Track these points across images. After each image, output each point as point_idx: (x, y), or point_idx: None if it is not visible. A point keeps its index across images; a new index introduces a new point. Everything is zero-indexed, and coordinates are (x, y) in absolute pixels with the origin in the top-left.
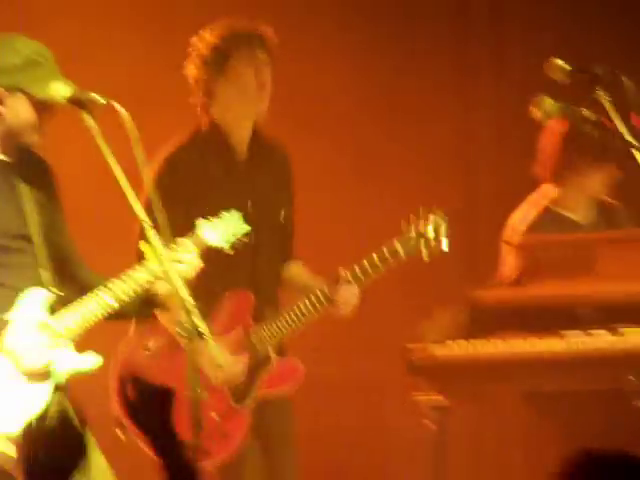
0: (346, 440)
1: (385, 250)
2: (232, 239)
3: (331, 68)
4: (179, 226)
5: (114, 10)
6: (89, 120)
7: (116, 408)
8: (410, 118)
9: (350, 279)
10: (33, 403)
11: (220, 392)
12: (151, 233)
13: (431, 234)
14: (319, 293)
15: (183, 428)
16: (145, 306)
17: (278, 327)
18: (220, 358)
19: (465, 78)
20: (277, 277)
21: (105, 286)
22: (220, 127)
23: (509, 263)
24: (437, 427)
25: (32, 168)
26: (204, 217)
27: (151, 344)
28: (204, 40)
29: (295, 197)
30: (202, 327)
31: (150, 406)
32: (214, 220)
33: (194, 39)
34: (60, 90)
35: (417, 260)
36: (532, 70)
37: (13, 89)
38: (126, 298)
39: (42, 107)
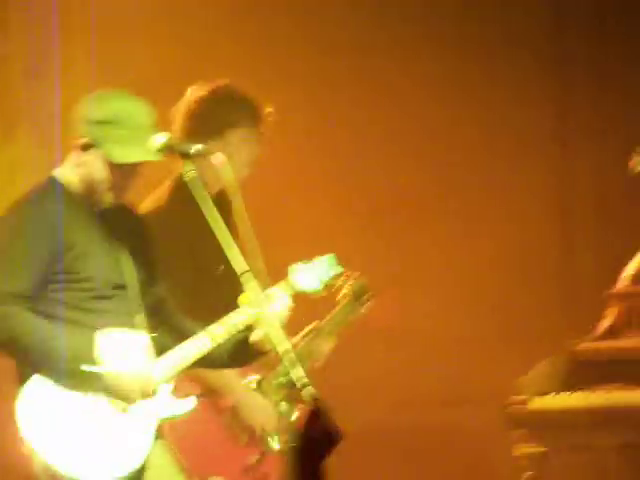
0: None
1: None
2: (325, 282)
3: (414, 102)
4: None
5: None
6: (187, 167)
7: None
8: (504, 160)
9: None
10: (136, 451)
11: (257, 437)
12: (251, 280)
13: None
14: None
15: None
16: (239, 354)
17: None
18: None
19: (565, 121)
20: None
21: (201, 330)
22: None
23: (611, 314)
24: (537, 478)
25: (126, 220)
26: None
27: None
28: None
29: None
30: (298, 378)
31: None
32: (307, 263)
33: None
34: (137, 154)
35: (518, 313)
36: (634, 120)
37: (93, 143)
38: (221, 341)
39: (117, 167)
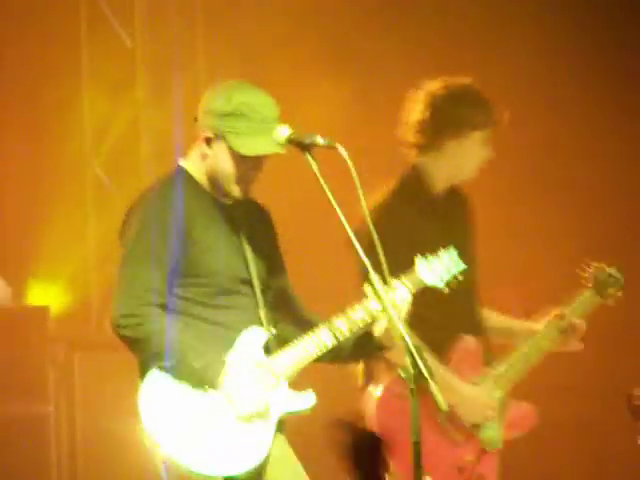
0: None
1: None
2: (448, 277)
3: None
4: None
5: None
6: (311, 161)
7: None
8: None
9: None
10: (258, 447)
11: (473, 436)
12: (372, 274)
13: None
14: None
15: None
16: (360, 348)
17: (514, 370)
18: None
19: None
20: (483, 320)
21: (322, 325)
22: (420, 173)
23: None
24: None
25: (251, 213)
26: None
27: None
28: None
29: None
30: (425, 370)
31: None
32: (431, 258)
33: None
34: (262, 146)
35: None
36: None
37: (219, 135)
38: (342, 337)
39: (243, 160)
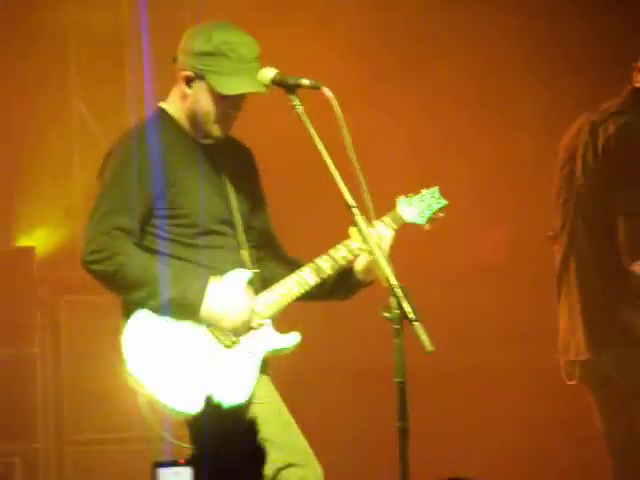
0: None
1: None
2: (429, 215)
3: None
4: None
5: None
6: (295, 102)
7: None
8: None
9: None
10: (241, 385)
11: None
12: (358, 215)
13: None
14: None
15: None
16: (342, 285)
17: None
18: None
19: None
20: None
21: (304, 265)
22: None
23: None
24: None
25: (232, 153)
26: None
27: None
28: None
29: None
30: (410, 310)
31: None
32: (412, 196)
33: None
34: (242, 85)
35: None
36: None
37: (199, 75)
38: (324, 276)
39: (223, 99)
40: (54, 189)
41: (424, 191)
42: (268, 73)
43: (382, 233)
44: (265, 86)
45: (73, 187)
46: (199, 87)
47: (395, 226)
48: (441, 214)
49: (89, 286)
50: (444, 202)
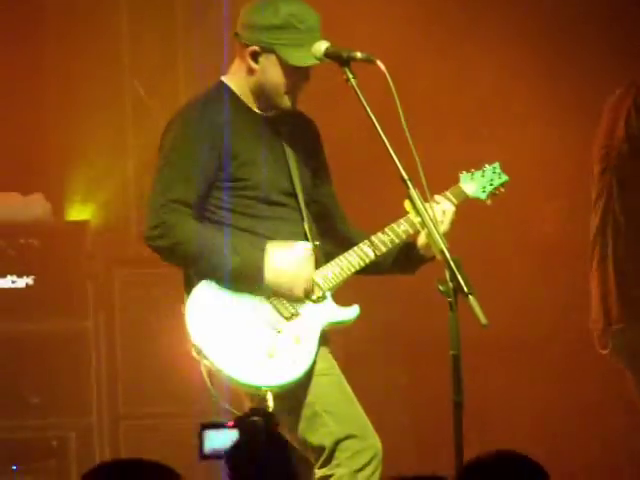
0: None
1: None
2: (490, 189)
3: None
4: None
5: None
6: (348, 74)
7: None
8: None
9: None
10: (302, 358)
11: None
12: (413, 189)
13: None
14: None
15: None
16: (403, 259)
17: None
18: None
19: None
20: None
21: (364, 239)
22: None
23: None
24: None
25: (296, 126)
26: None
27: None
28: None
29: None
30: (466, 284)
31: None
32: (474, 172)
33: None
34: (310, 56)
35: None
36: None
37: (267, 49)
38: (384, 249)
39: (293, 71)
40: (106, 162)
41: (486, 166)
42: (321, 46)
43: (444, 207)
44: (318, 59)
45: (126, 159)
46: (267, 61)
47: (456, 201)
48: (502, 189)
49: (141, 260)
50: (505, 177)
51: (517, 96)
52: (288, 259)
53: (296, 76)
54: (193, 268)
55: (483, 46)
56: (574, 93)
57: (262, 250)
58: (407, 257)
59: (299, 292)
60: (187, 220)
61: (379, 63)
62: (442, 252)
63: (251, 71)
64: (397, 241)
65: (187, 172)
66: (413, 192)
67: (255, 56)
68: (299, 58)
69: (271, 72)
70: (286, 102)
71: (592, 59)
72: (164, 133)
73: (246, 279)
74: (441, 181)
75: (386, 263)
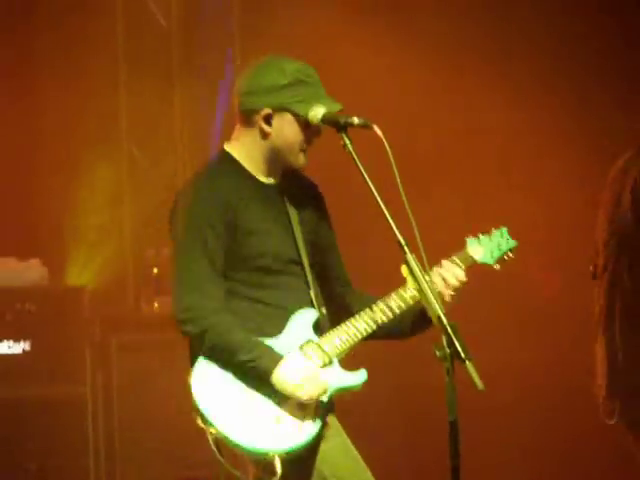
0: None
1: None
2: (498, 254)
3: None
4: None
5: None
6: (345, 141)
7: None
8: None
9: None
10: (310, 424)
11: None
12: (409, 255)
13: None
14: None
15: None
16: (420, 323)
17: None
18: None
19: None
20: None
21: (370, 304)
22: None
23: None
24: None
25: (300, 191)
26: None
27: None
28: None
29: None
30: (461, 349)
31: None
32: (482, 237)
33: None
34: (327, 107)
35: None
36: None
37: (280, 109)
38: (392, 315)
39: (308, 126)
40: (104, 226)
41: (494, 230)
42: (318, 112)
43: (455, 272)
44: (315, 125)
45: (123, 224)
46: (282, 120)
47: (464, 265)
48: (511, 254)
49: (139, 323)
50: (513, 242)
51: (518, 166)
52: (299, 374)
53: (310, 131)
54: (209, 356)
55: (486, 114)
56: (579, 159)
57: (279, 357)
58: (424, 320)
59: (307, 397)
60: (215, 311)
61: (376, 128)
62: (439, 318)
63: (265, 135)
64: (405, 307)
65: (212, 263)
66: (409, 256)
67: (268, 119)
68: (315, 113)
69: (287, 131)
70: (301, 160)
71: (597, 123)
72: (174, 209)
73: (254, 376)
74: (444, 245)
75: (404, 328)
